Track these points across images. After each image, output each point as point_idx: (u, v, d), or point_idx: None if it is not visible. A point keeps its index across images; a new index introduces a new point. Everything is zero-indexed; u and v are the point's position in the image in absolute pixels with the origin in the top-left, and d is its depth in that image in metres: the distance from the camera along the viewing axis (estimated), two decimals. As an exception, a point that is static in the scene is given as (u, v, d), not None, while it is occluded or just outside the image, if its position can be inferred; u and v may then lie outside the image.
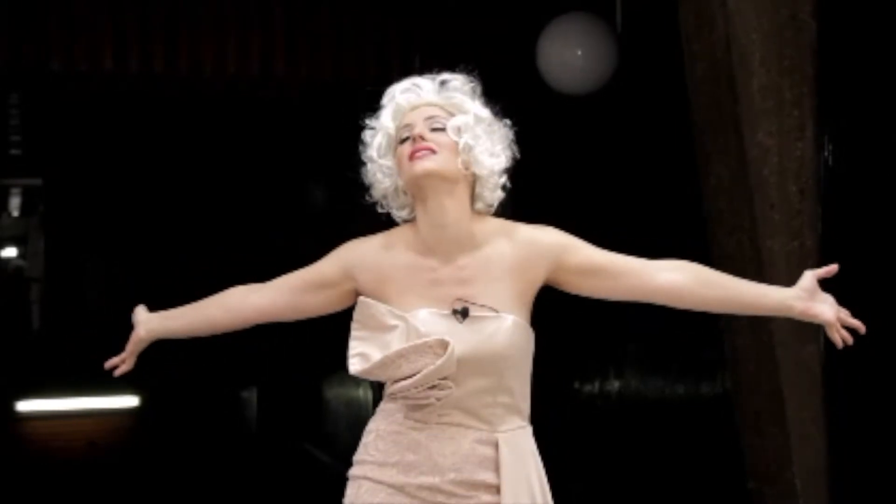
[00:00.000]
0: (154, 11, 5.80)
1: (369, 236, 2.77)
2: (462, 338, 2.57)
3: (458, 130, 2.65)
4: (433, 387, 2.58)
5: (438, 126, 2.65)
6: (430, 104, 2.68)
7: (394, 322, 2.61)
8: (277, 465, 10.61)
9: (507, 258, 2.67)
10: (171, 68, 5.85)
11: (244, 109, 8.29)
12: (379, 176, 2.72)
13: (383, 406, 2.71)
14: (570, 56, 5.39)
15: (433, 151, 2.62)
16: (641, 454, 5.64)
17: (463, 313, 2.61)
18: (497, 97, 2.76)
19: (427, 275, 2.67)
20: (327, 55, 6.03)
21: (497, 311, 2.61)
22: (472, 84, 2.73)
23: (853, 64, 3.83)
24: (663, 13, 4.42)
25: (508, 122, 2.74)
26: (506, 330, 2.61)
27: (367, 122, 2.74)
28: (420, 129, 2.63)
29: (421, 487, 2.61)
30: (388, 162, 2.70)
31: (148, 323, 2.99)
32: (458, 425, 2.62)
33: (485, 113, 2.69)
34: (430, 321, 2.59)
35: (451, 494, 2.61)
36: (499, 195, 2.74)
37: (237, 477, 10.23)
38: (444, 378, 2.58)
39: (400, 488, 2.63)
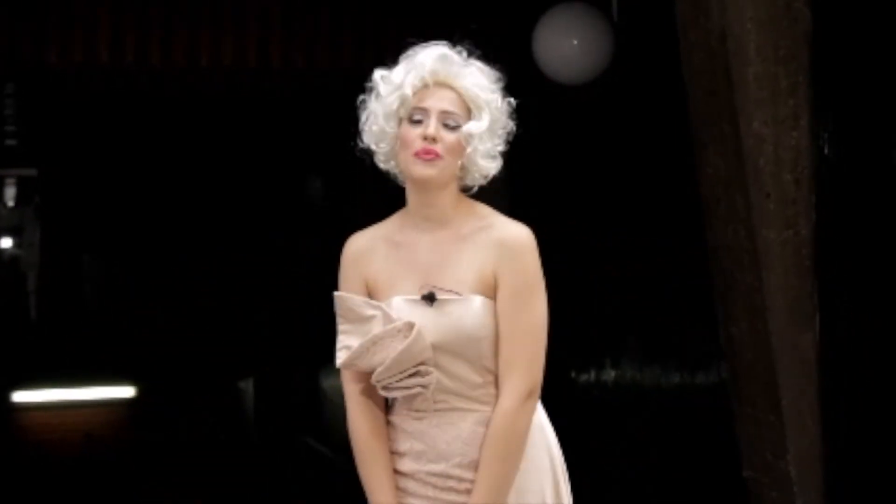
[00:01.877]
0: (151, 3, 5.79)
1: (351, 241, 2.81)
2: (431, 322, 2.60)
3: (469, 137, 2.66)
4: (414, 374, 2.60)
5: (452, 124, 2.66)
6: (451, 88, 2.67)
7: (371, 312, 2.66)
8: (274, 456, 10.61)
9: (480, 246, 2.68)
10: (168, 60, 5.84)
11: (241, 101, 8.30)
12: (377, 132, 2.72)
13: (391, 399, 2.75)
14: (566, 46, 5.40)
15: (438, 157, 2.63)
16: (637, 443, 5.65)
17: (430, 298, 2.63)
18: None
19: (407, 252, 2.70)
20: (324, 48, 6.03)
21: (461, 294, 2.63)
22: (497, 77, 2.73)
23: (848, 53, 3.84)
24: (659, 2, 4.43)
25: (513, 115, 2.76)
26: (474, 311, 2.62)
27: (384, 68, 2.73)
28: (433, 127, 2.64)
29: (430, 474, 2.66)
30: (390, 129, 2.70)
31: None
32: (456, 409, 2.65)
33: (497, 113, 2.70)
34: (402, 308, 2.63)
35: (460, 479, 2.65)
36: (480, 183, 2.76)
37: (234, 467, 10.24)
38: (423, 364, 2.59)
39: (412, 475, 2.68)
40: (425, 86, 2.67)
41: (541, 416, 2.73)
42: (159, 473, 10.21)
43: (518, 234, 2.67)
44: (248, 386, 12.14)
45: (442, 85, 2.68)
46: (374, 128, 2.72)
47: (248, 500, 9.68)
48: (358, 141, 2.77)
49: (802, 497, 3.87)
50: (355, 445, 2.73)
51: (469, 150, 2.67)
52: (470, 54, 2.74)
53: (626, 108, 5.66)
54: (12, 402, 11.25)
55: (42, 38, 5.65)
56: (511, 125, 2.75)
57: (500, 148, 2.73)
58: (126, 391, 11.47)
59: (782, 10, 3.75)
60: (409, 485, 2.68)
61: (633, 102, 5.57)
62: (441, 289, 2.63)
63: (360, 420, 2.72)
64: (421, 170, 2.64)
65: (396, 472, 2.70)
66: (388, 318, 2.62)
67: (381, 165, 2.77)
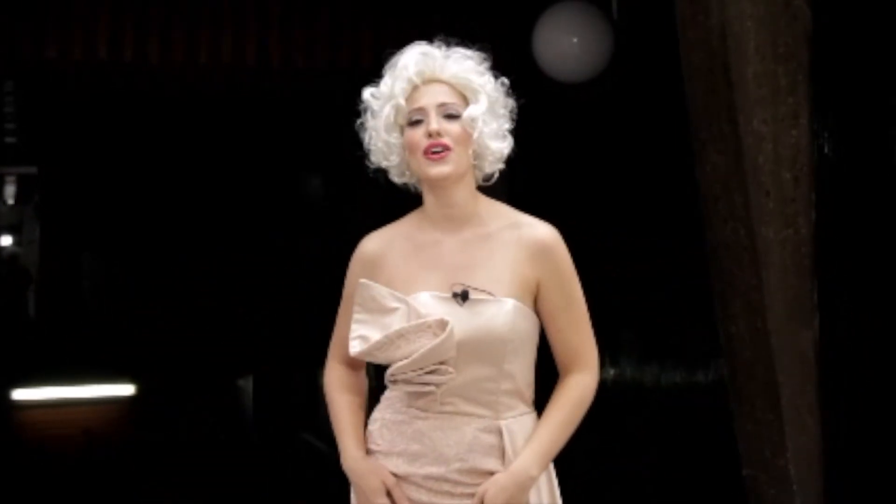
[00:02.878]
0: (150, 1, 5.79)
1: (366, 241, 2.79)
2: (462, 320, 2.58)
3: (473, 122, 2.65)
4: (432, 372, 2.58)
5: (452, 113, 2.65)
6: (441, 81, 2.67)
7: (394, 304, 2.62)
8: (273, 453, 10.61)
9: (511, 247, 2.67)
10: (167, 59, 5.84)
11: (240, 100, 8.29)
12: (383, 147, 2.72)
13: (388, 394, 2.73)
14: (566, 44, 5.40)
15: (448, 149, 2.62)
16: (637, 442, 5.65)
17: (463, 296, 2.61)
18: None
19: (431, 251, 2.68)
20: (323, 46, 6.02)
21: (495, 296, 2.61)
22: (482, 58, 2.72)
23: (848, 51, 3.84)
24: (659, 1, 4.43)
25: (510, 91, 2.76)
26: (506, 313, 2.61)
27: (372, 86, 2.72)
28: (434, 122, 2.62)
29: (427, 477, 2.63)
30: (395, 139, 2.70)
31: (378, 470, 2.71)
32: (461, 413, 2.63)
33: (494, 93, 2.69)
34: (430, 304, 2.60)
35: (457, 483, 2.62)
36: (497, 167, 2.75)
37: (233, 464, 10.24)
38: (443, 363, 2.57)
39: (405, 477, 2.65)
40: (415, 87, 2.67)
41: (535, 423, 2.73)
42: (158, 471, 10.21)
43: (552, 235, 2.70)
44: (247, 384, 12.13)
45: (431, 81, 2.67)
46: (379, 144, 2.71)
47: (247, 497, 9.68)
48: (367, 163, 2.76)
49: (801, 495, 3.87)
50: (329, 395, 2.81)
51: (476, 135, 2.66)
52: (448, 44, 2.73)
53: (625, 106, 5.66)
54: (12, 399, 11.25)
55: (41, 36, 5.65)
56: (511, 102, 2.74)
57: (507, 126, 2.73)
58: (126, 389, 11.47)
59: (781, 9, 3.75)
60: (404, 489, 2.64)
61: (633, 101, 5.57)
62: (474, 288, 2.62)
63: (334, 375, 2.82)
64: (435, 169, 2.63)
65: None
66: (414, 312, 2.59)
67: (396, 180, 2.76)
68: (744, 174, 3.79)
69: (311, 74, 6.19)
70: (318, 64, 6.04)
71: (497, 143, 2.70)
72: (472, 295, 2.61)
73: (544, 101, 5.78)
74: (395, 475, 2.66)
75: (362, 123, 2.75)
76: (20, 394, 11.18)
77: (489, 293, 2.61)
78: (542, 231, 2.70)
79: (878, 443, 3.85)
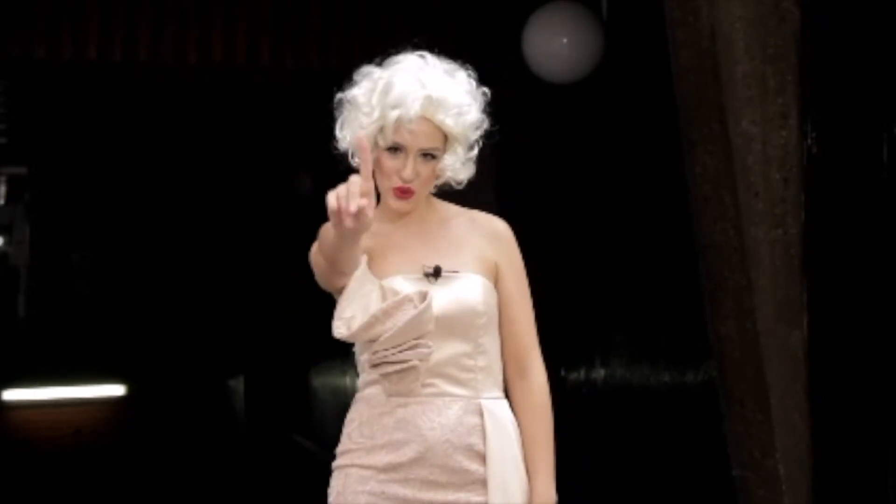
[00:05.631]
0: (139, 0, 5.78)
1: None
2: (437, 297, 2.64)
3: (445, 169, 2.74)
4: (411, 348, 2.61)
5: (430, 154, 2.70)
6: (430, 121, 2.68)
7: (369, 286, 2.67)
8: (264, 454, 10.61)
9: (468, 232, 2.78)
10: (156, 56, 5.84)
11: (230, 98, 8.29)
12: (353, 150, 2.76)
13: (362, 394, 2.75)
14: (556, 45, 5.40)
15: (414, 192, 2.71)
16: (627, 441, 5.66)
17: (435, 273, 2.68)
18: (482, 86, 2.78)
19: (392, 239, 2.76)
20: (313, 43, 6.02)
21: (459, 272, 2.71)
22: (475, 84, 2.75)
23: (837, 52, 3.85)
24: (648, 1, 4.43)
25: (488, 107, 2.78)
26: (476, 287, 2.70)
27: (362, 85, 2.74)
28: (410, 171, 2.68)
29: (413, 462, 2.63)
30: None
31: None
32: (443, 395, 2.67)
33: (473, 131, 2.74)
34: (404, 284, 2.66)
35: (444, 469, 2.64)
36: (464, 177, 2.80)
37: (224, 465, 10.25)
38: (422, 338, 2.62)
39: (393, 469, 2.65)
40: (403, 122, 2.67)
41: (510, 411, 2.77)
42: (149, 471, 10.21)
43: (506, 227, 2.82)
44: (238, 384, 12.13)
45: (420, 119, 2.68)
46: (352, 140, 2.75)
47: (237, 497, 9.68)
48: (336, 143, 2.81)
49: (791, 495, 3.88)
50: (323, 250, 2.69)
51: (446, 175, 2.76)
52: (439, 53, 2.76)
53: (615, 106, 5.66)
54: (2, 400, 11.24)
55: (31, 36, 5.64)
56: (486, 122, 2.77)
57: (475, 152, 2.78)
58: (116, 389, 11.47)
59: (770, 10, 3.76)
60: (389, 488, 2.64)
61: (623, 101, 5.58)
62: (447, 271, 2.70)
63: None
64: (398, 204, 2.73)
65: (368, 467, 2.67)
66: (390, 293, 2.65)
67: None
68: (733, 175, 3.79)
69: (301, 73, 6.20)
70: (308, 62, 6.04)
71: (463, 174, 2.79)
72: (444, 273, 2.69)
73: (534, 102, 5.79)
74: (380, 470, 2.66)
75: (340, 108, 2.80)
76: (10, 394, 11.17)
77: (457, 271, 2.70)
78: (499, 222, 2.83)
79: (868, 443, 3.86)
